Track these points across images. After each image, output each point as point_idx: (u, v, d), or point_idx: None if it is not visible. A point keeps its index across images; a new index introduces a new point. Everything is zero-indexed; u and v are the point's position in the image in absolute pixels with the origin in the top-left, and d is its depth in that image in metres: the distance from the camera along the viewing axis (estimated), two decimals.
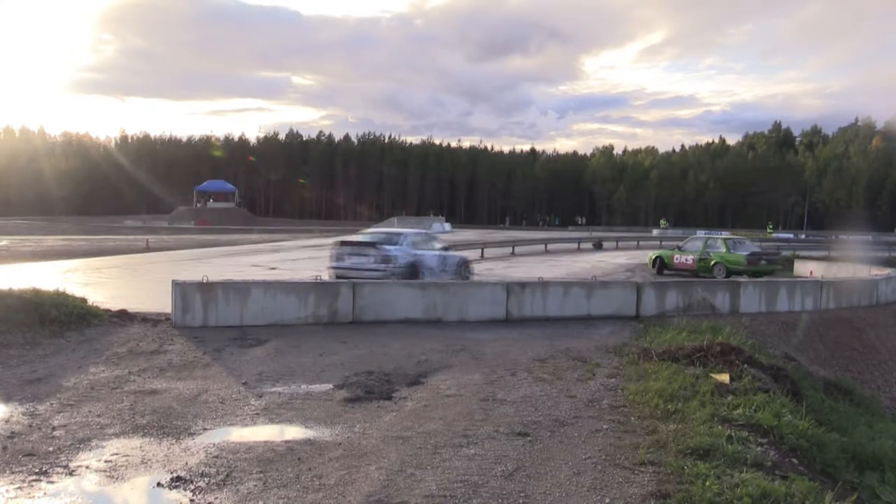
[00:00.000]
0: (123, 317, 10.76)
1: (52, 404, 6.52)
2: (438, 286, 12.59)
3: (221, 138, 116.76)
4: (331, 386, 7.45)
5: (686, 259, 21.30)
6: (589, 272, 21.14)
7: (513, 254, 30.78)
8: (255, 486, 4.69)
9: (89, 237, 39.21)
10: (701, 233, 32.99)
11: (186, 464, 5.08)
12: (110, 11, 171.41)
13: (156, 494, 4.62)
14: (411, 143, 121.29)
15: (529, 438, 5.75)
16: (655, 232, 58.88)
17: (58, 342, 9.10)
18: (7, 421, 5.99)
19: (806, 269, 24.11)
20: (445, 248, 17.22)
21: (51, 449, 5.32)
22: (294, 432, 5.91)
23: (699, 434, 5.69)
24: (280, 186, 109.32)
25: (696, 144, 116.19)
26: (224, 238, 40.18)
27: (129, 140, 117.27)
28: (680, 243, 23.74)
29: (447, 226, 59.70)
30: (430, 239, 17.22)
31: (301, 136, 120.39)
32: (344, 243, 16.11)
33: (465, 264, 17.18)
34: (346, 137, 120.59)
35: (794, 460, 5.76)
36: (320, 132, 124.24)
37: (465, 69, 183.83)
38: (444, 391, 7.29)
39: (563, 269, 23.36)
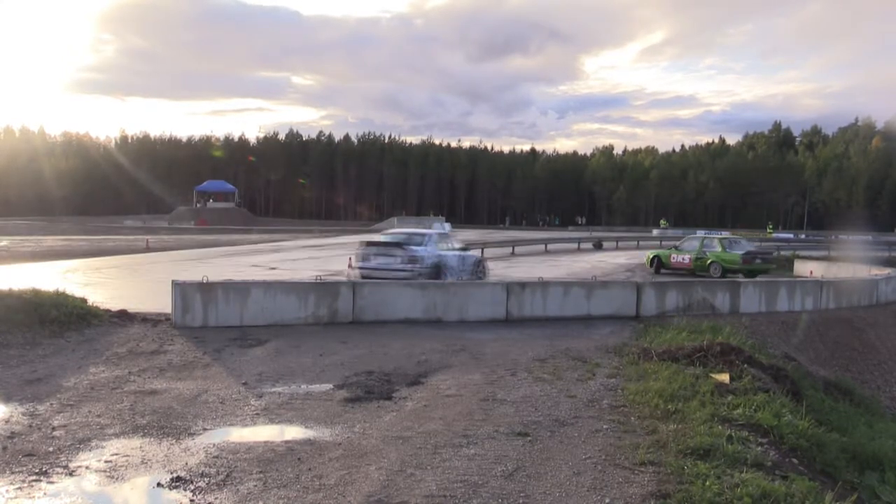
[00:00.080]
0: (123, 317, 10.76)
1: (52, 404, 6.52)
2: (438, 286, 12.59)
3: (221, 138, 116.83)
4: (331, 386, 7.46)
5: (683, 258, 21.64)
6: (589, 272, 21.15)
7: (513, 254, 30.80)
8: (255, 486, 4.69)
9: (89, 237, 39.22)
10: (701, 233, 33.05)
11: (186, 464, 5.08)
12: (110, 11, 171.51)
13: (156, 494, 4.62)
14: (411, 143, 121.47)
15: (529, 438, 5.76)
16: (655, 232, 58.90)
17: (58, 342, 9.10)
18: (7, 421, 5.99)
19: (806, 269, 24.12)
20: (464, 248, 17.30)
21: (51, 449, 5.32)
22: (294, 432, 5.91)
23: (699, 434, 5.69)
24: (280, 186, 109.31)
25: (696, 144, 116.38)
26: (224, 238, 40.18)
27: (129, 140, 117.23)
28: (677, 243, 24.10)
29: (447, 226, 59.54)
30: (449, 239, 17.27)
31: (301, 136, 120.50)
32: (370, 244, 16.10)
33: (480, 264, 17.26)
34: (346, 137, 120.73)
35: (794, 460, 5.76)
36: (320, 132, 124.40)
37: (465, 69, 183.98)
38: (444, 391, 7.30)
39: (563, 269, 23.36)
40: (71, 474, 4.87)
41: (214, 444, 5.54)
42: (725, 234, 42.30)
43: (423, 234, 16.53)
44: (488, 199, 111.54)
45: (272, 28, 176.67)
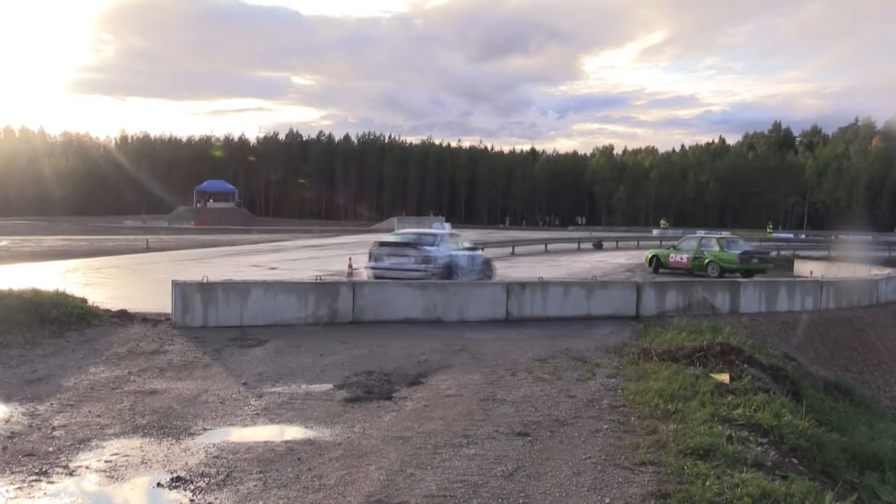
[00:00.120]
0: (123, 317, 10.76)
1: (52, 404, 6.52)
2: (438, 286, 12.59)
3: (221, 138, 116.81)
4: (331, 386, 7.46)
5: (681, 258, 21.88)
6: (589, 272, 21.15)
7: (513, 254, 30.79)
8: (255, 486, 4.69)
9: (89, 237, 39.22)
10: (701, 232, 33.11)
11: (186, 464, 5.08)
12: (110, 11, 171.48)
13: (156, 494, 4.62)
14: (411, 143, 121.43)
15: (529, 438, 5.76)
16: (655, 232, 58.90)
17: (58, 342, 9.10)
18: (7, 421, 5.99)
19: (806, 269, 24.13)
20: (472, 248, 17.33)
21: (51, 449, 5.32)
22: (294, 432, 5.91)
23: (699, 434, 5.69)
24: (280, 186, 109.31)
25: (696, 144, 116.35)
26: (224, 238, 40.19)
27: (129, 140, 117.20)
28: (675, 243, 24.32)
29: (447, 226, 59.62)
30: (459, 238, 17.27)
31: (301, 136, 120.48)
32: (383, 244, 16.09)
33: (488, 263, 17.29)
34: (346, 137, 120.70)
35: (794, 460, 5.76)
36: (320, 132, 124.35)
37: (465, 69, 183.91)
38: (444, 391, 7.30)
39: (563, 269, 23.37)
40: (71, 474, 4.87)
41: (214, 444, 5.54)
42: (726, 233, 42.34)
43: (434, 234, 16.55)
44: (488, 199, 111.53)
45: (272, 28, 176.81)
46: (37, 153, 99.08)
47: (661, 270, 22.08)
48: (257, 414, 6.42)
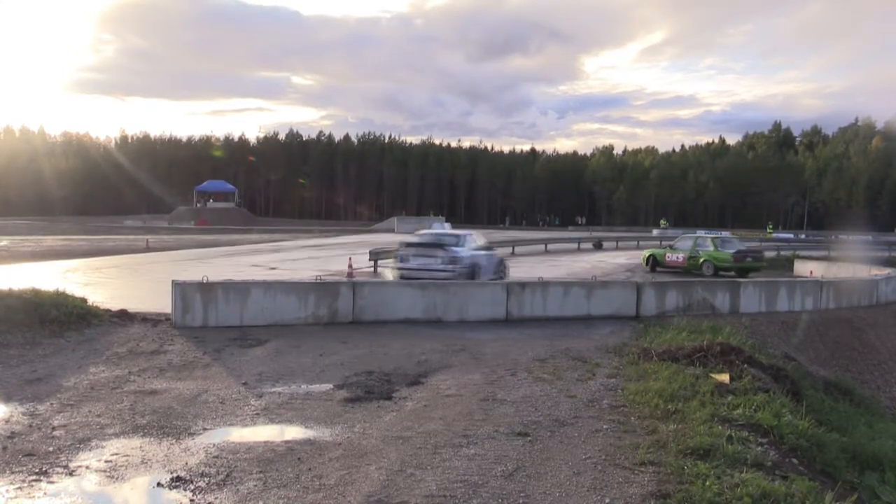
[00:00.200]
0: (123, 317, 10.77)
1: (52, 404, 6.52)
2: (438, 286, 12.59)
3: (221, 138, 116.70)
4: (331, 386, 7.46)
5: (677, 257, 22.40)
6: (589, 272, 21.15)
7: (513, 254, 30.76)
8: (255, 486, 4.69)
9: (89, 237, 39.22)
10: (701, 232, 33.19)
11: (186, 464, 5.08)
12: (110, 11, 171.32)
13: (156, 494, 4.62)
14: (411, 143, 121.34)
15: (529, 438, 5.76)
16: (655, 232, 58.87)
17: (58, 342, 9.10)
18: (7, 421, 5.99)
19: (806, 269, 24.13)
20: (488, 248, 17.39)
21: (51, 449, 5.33)
22: (294, 432, 5.92)
23: (699, 434, 5.69)
24: (280, 186, 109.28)
25: (696, 144, 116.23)
26: (224, 238, 40.18)
27: (129, 140, 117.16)
28: (672, 242, 24.76)
29: (447, 226, 59.61)
30: (477, 238, 17.31)
31: (301, 136, 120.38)
32: (410, 244, 16.10)
33: (502, 263, 17.36)
34: (346, 137, 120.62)
35: (794, 460, 5.76)
36: (320, 132, 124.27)
37: (465, 69, 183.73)
38: (444, 391, 7.30)
39: (563, 269, 23.37)
40: (71, 474, 4.87)
41: (214, 444, 5.54)
42: (726, 234, 42.43)
43: (458, 235, 16.68)
44: (488, 199, 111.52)
45: (272, 28, 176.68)
46: (37, 153, 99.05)
47: (658, 269, 22.61)
48: (257, 414, 6.42)
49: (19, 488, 4.57)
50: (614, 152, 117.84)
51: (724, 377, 7.77)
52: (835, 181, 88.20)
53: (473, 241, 16.37)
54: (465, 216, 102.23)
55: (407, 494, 4.54)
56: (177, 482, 4.73)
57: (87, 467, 5.00)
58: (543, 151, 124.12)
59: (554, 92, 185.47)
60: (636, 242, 40.70)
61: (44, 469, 4.91)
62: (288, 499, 4.49)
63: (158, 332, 10.07)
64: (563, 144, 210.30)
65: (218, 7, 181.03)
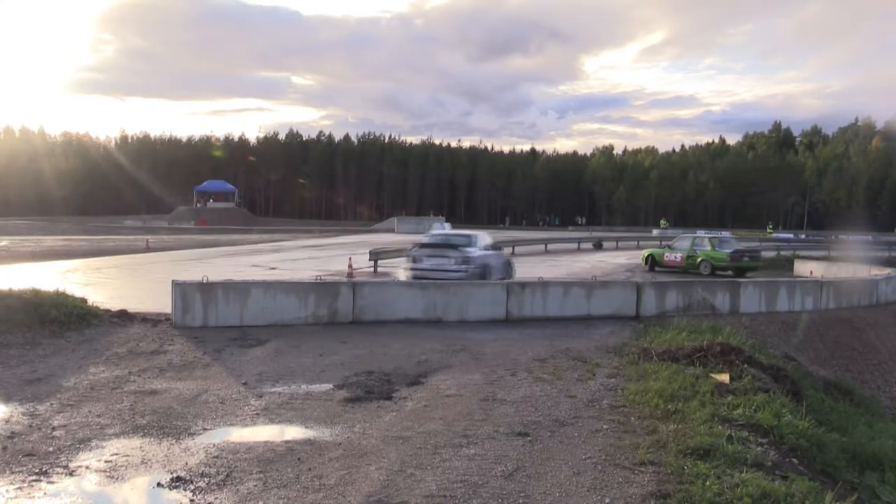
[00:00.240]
0: (123, 317, 10.77)
1: (52, 404, 6.52)
2: (438, 286, 12.59)
3: (221, 138, 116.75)
4: (331, 386, 7.46)
5: (675, 256, 22.83)
6: (589, 272, 21.16)
7: (513, 254, 30.71)
8: (255, 486, 4.69)
9: (89, 237, 39.22)
10: (701, 232, 33.27)
11: (186, 464, 5.08)
12: (110, 11, 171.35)
13: (156, 494, 4.62)
14: (411, 143, 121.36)
15: (529, 438, 5.76)
16: (655, 232, 58.87)
17: (58, 342, 9.10)
18: (7, 421, 5.99)
19: (806, 269, 24.14)
20: (497, 248, 17.52)
21: (51, 449, 5.33)
22: (294, 432, 5.91)
23: (699, 434, 5.69)
24: (280, 186, 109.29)
25: (696, 144, 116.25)
26: (224, 238, 40.19)
27: (129, 140, 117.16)
28: (670, 242, 25.22)
29: (447, 226, 59.61)
30: (487, 239, 17.38)
31: (301, 136, 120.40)
32: (423, 245, 16.16)
33: (509, 263, 17.44)
34: (346, 137, 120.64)
35: (794, 460, 5.76)
36: (320, 132, 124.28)
37: (465, 69, 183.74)
38: (444, 391, 7.30)
39: (563, 269, 23.37)
40: (71, 474, 4.87)
41: (214, 444, 5.54)
42: (726, 234, 42.48)
43: (469, 235, 16.78)
44: (488, 199, 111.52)
45: (272, 28, 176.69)
46: (37, 153, 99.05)
47: (656, 269, 23.01)
48: (257, 414, 6.42)
49: (19, 488, 4.57)
50: (614, 152, 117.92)
51: (724, 377, 7.77)
52: (835, 181, 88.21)
53: (483, 241, 16.48)
54: (465, 216, 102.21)
55: (407, 494, 4.54)
56: (177, 482, 4.73)
57: (87, 467, 5.00)
58: (543, 151, 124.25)
59: (554, 92, 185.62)
60: (636, 242, 40.69)
61: (44, 469, 4.91)
62: (288, 499, 4.49)
63: (158, 332, 10.07)
64: (563, 144, 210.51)
65: (218, 7, 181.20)
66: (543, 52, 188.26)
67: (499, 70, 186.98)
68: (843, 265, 24.43)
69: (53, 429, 5.82)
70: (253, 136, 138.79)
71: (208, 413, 6.40)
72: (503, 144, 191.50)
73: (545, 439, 5.76)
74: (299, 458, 5.21)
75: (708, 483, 4.70)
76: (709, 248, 22.09)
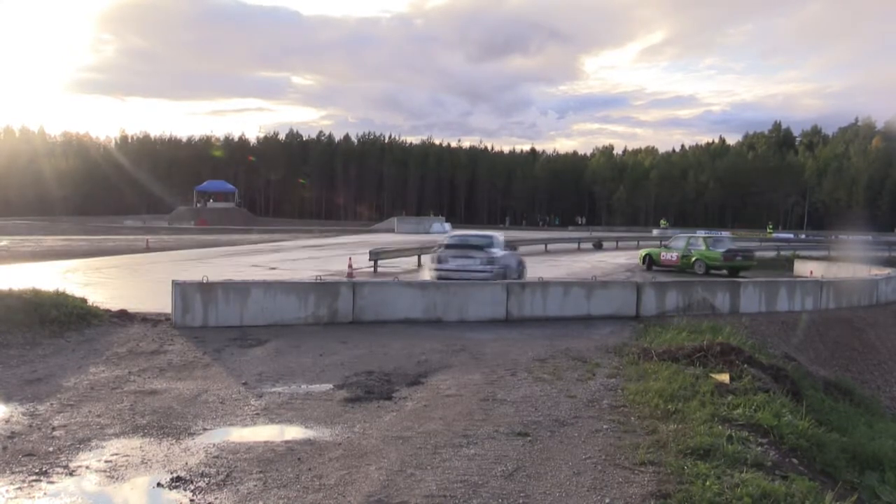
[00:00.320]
0: (123, 317, 10.77)
1: (52, 404, 6.52)
2: (438, 286, 12.60)
3: (221, 138, 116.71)
4: (331, 386, 7.46)
5: (671, 256, 23.35)
6: (589, 272, 21.16)
7: None
8: (255, 486, 4.69)
9: (89, 237, 39.22)
10: (701, 232, 33.33)
11: (186, 464, 5.08)
12: (110, 11, 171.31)
13: (156, 494, 4.62)
14: (411, 143, 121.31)
15: (529, 438, 5.76)
16: (655, 232, 58.87)
17: (58, 342, 9.10)
18: (7, 421, 5.99)
19: (806, 269, 24.15)
20: (513, 248, 17.67)
21: (51, 449, 5.33)
22: (294, 432, 5.91)
23: (699, 434, 5.69)
24: (280, 186, 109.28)
25: (696, 144, 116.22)
26: (224, 238, 40.19)
27: (129, 140, 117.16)
28: (667, 242, 25.79)
29: (447, 226, 59.62)
30: (502, 240, 17.46)
31: (301, 136, 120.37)
32: (448, 246, 16.26)
33: (521, 263, 17.58)
34: (346, 137, 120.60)
35: (794, 460, 5.76)
36: (320, 132, 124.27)
37: (465, 69, 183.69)
38: (444, 391, 7.30)
39: (563, 269, 23.37)
40: (71, 474, 4.87)
41: (214, 444, 5.54)
42: (726, 234, 42.51)
43: (490, 236, 16.93)
44: (488, 199, 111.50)
45: (272, 28, 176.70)
46: (37, 153, 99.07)
47: (653, 268, 23.52)
48: (257, 414, 6.42)
49: (19, 488, 4.57)
50: (614, 152, 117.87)
51: (724, 377, 7.77)
52: (835, 181, 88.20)
53: (502, 242, 16.63)
54: (465, 216, 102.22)
55: (407, 494, 4.54)
56: (177, 482, 4.73)
57: (87, 467, 5.00)
58: (543, 151, 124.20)
59: (554, 92, 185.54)
60: (636, 242, 40.68)
61: (44, 469, 4.91)
62: (288, 499, 4.49)
63: (158, 332, 10.07)
64: (563, 144, 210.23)
65: (218, 7, 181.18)
66: (543, 52, 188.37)
67: (499, 70, 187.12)
68: (843, 265, 24.45)
69: (53, 429, 5.82)
70: (253, 136, 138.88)
71: (208, 413, 6.40)
72: (503, 144, 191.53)
73: (545, 439, 5.76)
74: (299, 458, 5.21)
75: (708, 483, 4.70)
76: (703, 247, 22.50)
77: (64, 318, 9.83)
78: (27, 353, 8.53)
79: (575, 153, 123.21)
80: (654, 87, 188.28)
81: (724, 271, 21.51)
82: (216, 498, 4.49)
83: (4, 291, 10.12)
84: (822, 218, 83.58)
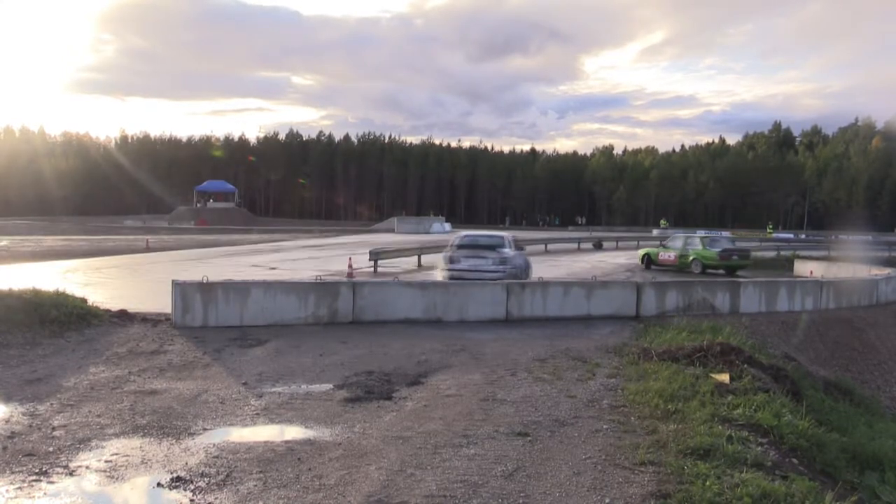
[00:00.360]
0: (123, 317, 10.77)
1: (52, 404, 6.52)
2: (438, 286, 12.60)
3: (221, 138, 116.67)
4: (331, 386, 7.46)
5: (669, 255, 23.72)
6: (589, 272, 21.16)
7: None
8: (255, 486, 4.69)
9: (89, 237, 39.22)
10: (701, 232, 33.41)
11: (186, 464, 5.08)
12: (110, 11, 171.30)
13: (156, 494, 4.62)
14: (411, 143, 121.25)
15: (529, 438, 5.76)
16: (655, 232, 58.86)
17: (58, 342, 9.10)
18: (7, 421, 5.99)
19: (806, 269, 24.16)
20: (521, 248, 17.67)
21: (51, 449, 5.33)
22: (294, 432, 5.91)
23: (699, 434, 5.69)
24: (280, 186, 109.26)
25: (696, 144, 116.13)
26: (224, 238, 40.19)
27: (129, 140, 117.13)
28: (665, 241, 25.95)
29: (447, 226, 59.65)
30: (511, 239, 17.45)
31: (301, 136, 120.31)
32: (460, 246, 16.19)
33: (528, 262, 17.61)
34: (346, 137, 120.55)
35: (794, 460, 5.76)
36: (320, 132, 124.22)
37: (465, 69, 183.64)
38: (444, 391, 7.30)
39: (563, 269, 23.37)
40: (71, 474, 4.87)
41: (214, 444, 5.54)
42: (725, 234, 42.58)
43: (502, 236, 16.96)
44: (488, 199, 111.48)
45: (272, 28, 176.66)
46: (37, 153, 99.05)
47: (652, 267, 23.87)
48: (257, 414, 6.42)
49: (19, 488, 4.57)
50: (614, 152, 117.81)
51: (724, 377, 7.77)
52: (835, 181, 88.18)
53: (513, 242, 16.66)
54: (465, 216, 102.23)
55: (407, 494, 4.54)
56: (177, 482, 4.73)
57: (87, 467, 5.00)
58: (543, 151, 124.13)
59: (554, 92, 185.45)
60: (636, 242, 40.66)
61: (44, 469, 4.91)
62: (288, 499, 4.49)
63: (158, 332, 10.07)
64: (563, 144, 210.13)
65: (218, 7, 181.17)
66: (543, 52, 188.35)
67: (499, 70, 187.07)
68: (843, 265, 24.46)
69: (53, 429, 5.82)
70: (253, 136, 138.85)
71: (208, 413, 6.40)
72: (503, 144, 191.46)
73: (545, 439, 5.76)
74: (299, 458, 5.21)
75: (708, 483, 4.70)
76: (700, 247, 22.86)
77: (64, 318, 9.83)
78: (27, 353, 8.53)
79: (575, 153, 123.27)
80: (654, 87, 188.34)
81: (721, 270, 21.81)
82: (216, 498, 4.49)
83: (4, 291, 10.12)
84: (822, 218, 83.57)
